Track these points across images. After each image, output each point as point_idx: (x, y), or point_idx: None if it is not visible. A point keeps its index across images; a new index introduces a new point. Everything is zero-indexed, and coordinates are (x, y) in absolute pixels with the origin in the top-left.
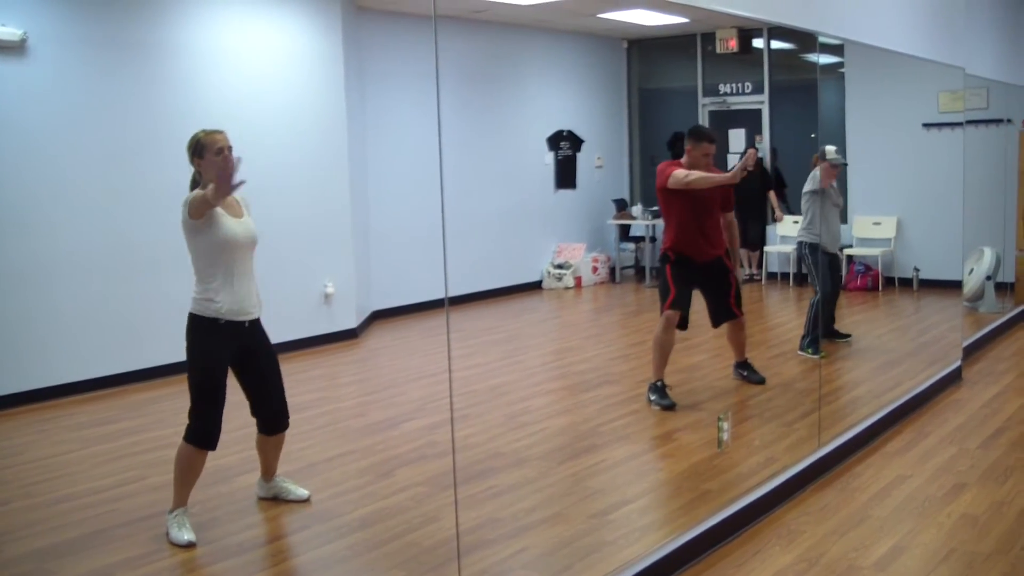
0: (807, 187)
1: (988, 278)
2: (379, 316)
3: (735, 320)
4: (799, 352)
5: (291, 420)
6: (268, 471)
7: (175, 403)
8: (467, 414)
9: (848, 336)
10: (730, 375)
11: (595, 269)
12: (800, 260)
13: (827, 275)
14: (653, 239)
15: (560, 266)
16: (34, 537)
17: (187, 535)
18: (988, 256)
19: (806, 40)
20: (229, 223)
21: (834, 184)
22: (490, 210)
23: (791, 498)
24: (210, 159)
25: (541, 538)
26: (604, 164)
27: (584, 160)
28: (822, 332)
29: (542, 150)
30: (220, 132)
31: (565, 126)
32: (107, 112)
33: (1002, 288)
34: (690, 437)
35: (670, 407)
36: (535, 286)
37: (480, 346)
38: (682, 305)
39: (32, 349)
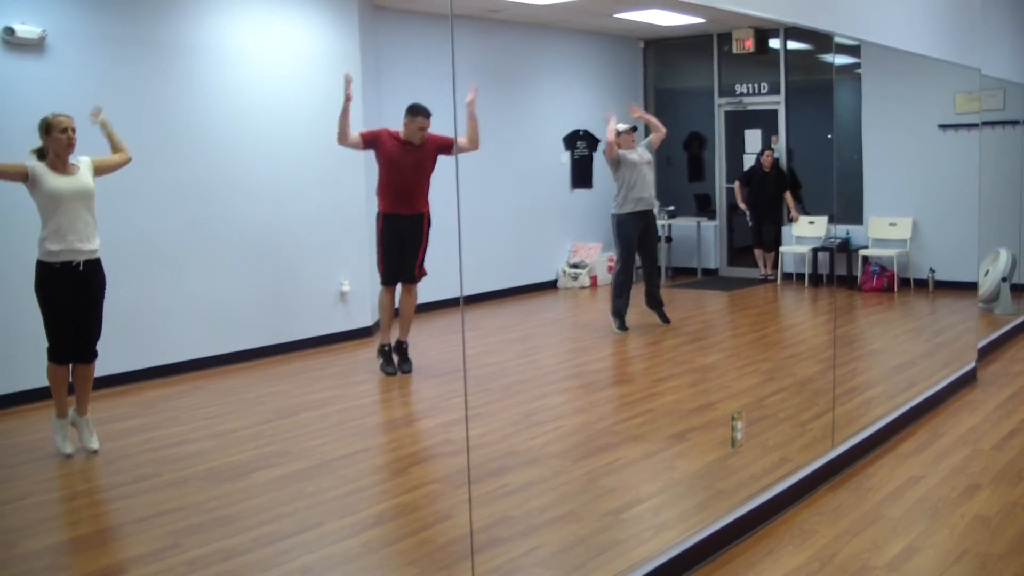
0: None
1: (1004, 279)
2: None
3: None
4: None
5: (307, 417)
6: (78, 404)
7: (189, 400)
8: (481, 412)
9: (667, 321)
10: (746, 374)
11: (611, 268)
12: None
13: (642, 246)
14: (669, 239)
15: (576, 265)
16: (48, 532)
17: (68, 447)
18: (1004, 257)
19: (822, 41)
20: (56, 181)
21: (641, 145)
22: (506, 209)
23: (804, 498)
24: (55, 136)
25: (555, 536)
26: None
27: (600, 159)
28: (649, 304)
29: (558, 149)
30: (66, 115)
31: (581, 126)
32: (125, 110)
33: (1017, 290)
34: (704, 436)
35: (392, 374)
36: (550, 285)
37: (495, 345)
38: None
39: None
